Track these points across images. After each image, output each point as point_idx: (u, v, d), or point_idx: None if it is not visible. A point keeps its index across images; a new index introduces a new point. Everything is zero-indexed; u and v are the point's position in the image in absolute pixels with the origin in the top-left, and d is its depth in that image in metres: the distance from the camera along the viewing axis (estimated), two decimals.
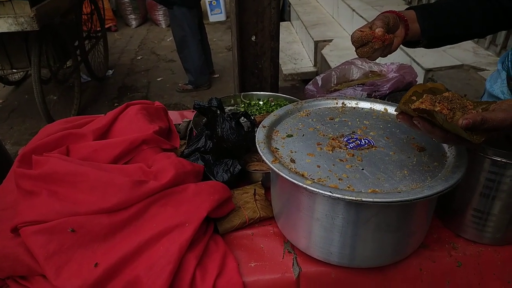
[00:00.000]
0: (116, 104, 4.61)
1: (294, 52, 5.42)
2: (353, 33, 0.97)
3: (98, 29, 5.08)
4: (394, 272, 1.03)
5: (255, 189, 1.24)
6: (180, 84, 4.89)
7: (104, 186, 1.03)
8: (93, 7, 4.85)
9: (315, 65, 4.89)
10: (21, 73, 4.75)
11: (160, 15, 7.34)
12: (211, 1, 7.44)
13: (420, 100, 0.81)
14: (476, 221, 1.06)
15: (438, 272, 1.05)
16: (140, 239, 0.98)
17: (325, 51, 4.49)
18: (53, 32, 3.76)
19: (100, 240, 0.99)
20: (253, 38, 1.91)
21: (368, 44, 0.97)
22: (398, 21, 1.04)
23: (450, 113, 0.78)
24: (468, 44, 3.51)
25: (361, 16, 4.37)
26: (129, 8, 7.43)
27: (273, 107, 1.70)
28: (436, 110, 0.78)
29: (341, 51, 4.39)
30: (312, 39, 4.87)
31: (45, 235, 0.97)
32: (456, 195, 1.08)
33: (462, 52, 3.35)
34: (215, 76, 5.16)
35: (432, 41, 1.11)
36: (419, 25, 1.08)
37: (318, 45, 4.72)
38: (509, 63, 1.11)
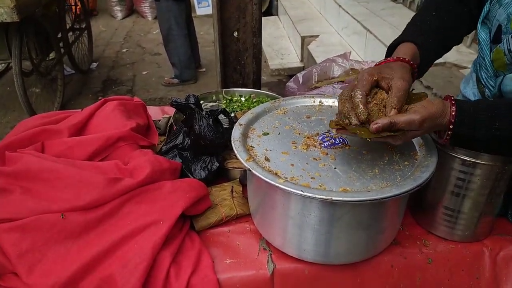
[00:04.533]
0: (100, 98, 4.49)
1: (281, 47, 5.42)
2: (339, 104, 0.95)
3: (82, 25, 4.97)
4: (366, 269, 1.05)
5: (232, 186, 1.24)
6: (166, 78, 4.84)
7: (79, 183, 1.02)
8: None
9: (301, 61, 4.91)
10: (2, 65, 4.64)
11: (146, 7, 7.24)
12: None
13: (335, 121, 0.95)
14: (447, 219, 1.09)
15: (409, 268, 1.07)
16: (114, 237, 0.98)
17: (312, 47, 4.50)
18: (34, 23, 3.67)
19: (74, 238, 0.98)
20: (235, 34, 1.90)
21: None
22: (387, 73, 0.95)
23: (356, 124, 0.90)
24: None
25: (347, 12, 4.38)
26: (115, 0, 7.30)
27: (254, 104, 1.70)
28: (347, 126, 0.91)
29: (327, 47, 4.40)
30: (299, 34, 4.88)
31: (18, 233, 0.96)
32: (427, 193, 1.10)
33: None
34: (201, 70, 5.13)
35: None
36: (420, 61, 1.04)
37: (305, 41, 4.73)
38: (478, 65, 1.12)
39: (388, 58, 1.02)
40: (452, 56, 3.30)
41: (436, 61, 3.53)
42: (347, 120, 0.92)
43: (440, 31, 1.09)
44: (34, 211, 0.98)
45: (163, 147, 1.33)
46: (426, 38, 1.06)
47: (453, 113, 0.87)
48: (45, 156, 1.11)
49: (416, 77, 1.06)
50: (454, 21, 1.11)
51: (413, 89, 0.98)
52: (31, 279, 0.91)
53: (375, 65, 1.05)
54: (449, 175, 1.03)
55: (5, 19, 3.07)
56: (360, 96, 0.90)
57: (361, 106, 0.89)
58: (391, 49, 1.08)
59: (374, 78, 0.93)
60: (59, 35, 4.33)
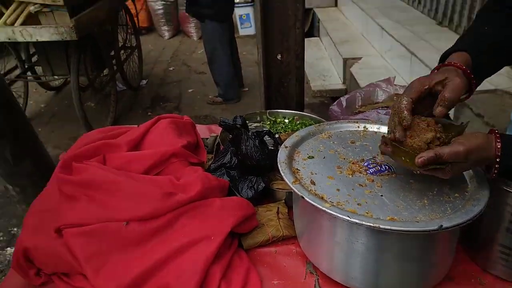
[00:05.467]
0: (149, 114, 4.76)
1: (323, 68, 5.44)
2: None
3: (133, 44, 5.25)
4: None
5: (278, 207, 1.27)
6: (210, 97, 5.00)
7: (138, 195, 1.10)
8: (128, 19, 5.06)
9: (344, 83, 4.90)
10: (61, 79, 5.00)
11: (192, 27, 7.56)
12: (241, 15, 7.59)
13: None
14: (503, 257, 1.03)
15: None
16: (170, 248, 1.03)
17: (354, 69, 4.50)
18: (90, 41, 3.95)
19: (134, 246, 1.05)
20: (279, 56, 1.96)
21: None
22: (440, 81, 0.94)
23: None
24: (503, 69, 3.44)
25: (390, 35, 4.36)
26: (163, 20, 7.69)
27: (298, 126, 1.74)
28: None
29: (370, 70, 4.38)
30: (341, 56, 4.89)
31: (85, 237, 1.05)
32: (480, 229, 1.06)
33: (496, 76, 3.24)
34: (244, 89, 5.25)
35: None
36: (474, 75, 0.99)
37: (347, 63, 4.73)
38: None
39: (441, 64, 1.00)
40: (503, 82, 3.18)
41: (487, 88, 3.38)
42: (392, 135, 0.93)
43: (494, 45, 1.06)
44: (99, 218, 1.06)
45: (211, 165, 1.39)
46: (480, 50, 1.03)
47: (499, 147, 0.86)
48: (108, 168, 1.20)
49: (475, 86, 1.02)
50: (507, 37, 1.07)
51: (462, 122, 0.97)
52: (97, 281, 0.99)
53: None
54: (503, 211, 0.98)
55: (65, 37, 3.35)
56: (406, 102, 0.91)
57: (405, 112, 0.90)
58: (443, 59, 1.06)
59: (425, 87, 0.93)
60: (112, 53, 4.63)
